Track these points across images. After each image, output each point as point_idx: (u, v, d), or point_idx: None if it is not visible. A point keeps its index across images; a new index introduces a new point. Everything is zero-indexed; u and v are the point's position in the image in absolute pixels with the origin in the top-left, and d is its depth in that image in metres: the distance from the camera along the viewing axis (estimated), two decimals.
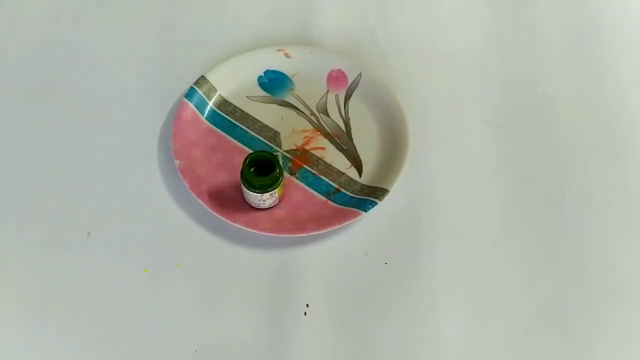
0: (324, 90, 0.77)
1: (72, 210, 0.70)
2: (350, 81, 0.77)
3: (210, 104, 0.75)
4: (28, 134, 0.74)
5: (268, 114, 0.76)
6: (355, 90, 0.77)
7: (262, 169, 0.67)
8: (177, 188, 0.70)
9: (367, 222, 0.70)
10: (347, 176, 0.72)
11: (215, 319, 0.65)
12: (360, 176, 0.72)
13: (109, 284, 0.66)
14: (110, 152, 0.73)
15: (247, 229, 0.67)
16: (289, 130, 0.75)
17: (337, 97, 0.77)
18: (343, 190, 0.71)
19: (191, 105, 0.74)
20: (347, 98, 0.77)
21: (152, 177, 0.71)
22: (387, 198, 0.69)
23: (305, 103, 0.77)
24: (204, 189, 0.69)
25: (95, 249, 0.68)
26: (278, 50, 0.78)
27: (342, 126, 0.75)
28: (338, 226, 0.68)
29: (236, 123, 0.75)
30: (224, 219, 0.68)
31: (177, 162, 0.70)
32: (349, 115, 0.76)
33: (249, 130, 0.74)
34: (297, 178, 0.72)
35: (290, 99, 0.77)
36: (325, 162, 0.73)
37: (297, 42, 0.80)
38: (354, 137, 0.74)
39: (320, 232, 0.67)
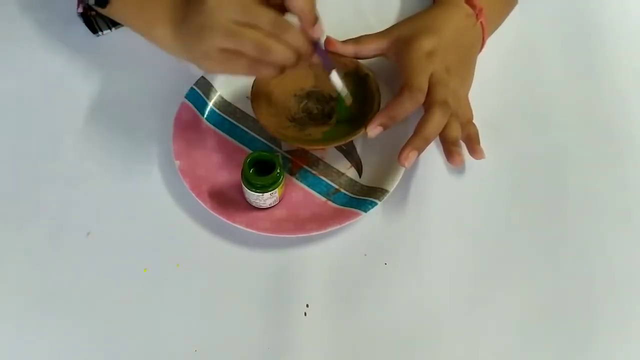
0: None
1: (72, 210, 0.70)
2: None
3: (211, 104, 0.75)
4: (28, 133, 0.74)
5: None
6: None
7: (263, 169, 0.67)
8: (177, 188, 0.70)
9: (367, 222, 0.70)
10: (347, 176, 0.72)
11: (215, 319, 0.65)
12: (360, 176, 0.72)
13: (109, 284, 0.66)
14: (111, 152, 0.73)
15: (247, 229, 0.67)
16: None
17: None
18: (343, 190, 0.71)
19: (191, 105, 0.74)
20: None
21: (152, 177, 0.71)
22: (387, 198, 0.69)
23: None
24: (204, 189, 0.69)
25: (95, 249, 0.68)
26: None
27: None
28: (338, 226, 0.68)
29: (236, 123, 0.75)
30: (224, 219, 0.68)
31: (177, 162, 0.70)
32: None
33: (249, 131, 0.74)
34: (297, 178, 0.72)
35: None
36: (325, 163, 0.73)
37: None
38: None
39: (320, 232, 0.67)
